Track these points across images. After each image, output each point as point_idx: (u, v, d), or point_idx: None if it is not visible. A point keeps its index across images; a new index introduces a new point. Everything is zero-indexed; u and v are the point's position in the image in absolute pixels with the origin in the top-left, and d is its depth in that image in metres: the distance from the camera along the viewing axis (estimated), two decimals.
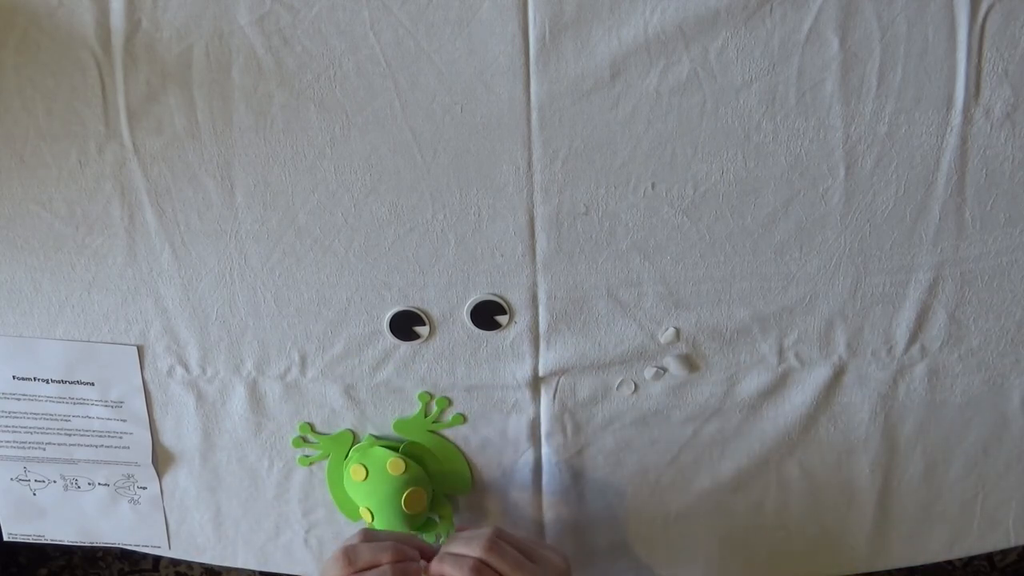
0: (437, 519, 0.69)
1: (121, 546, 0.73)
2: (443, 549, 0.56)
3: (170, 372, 0.65)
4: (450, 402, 0.66)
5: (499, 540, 0.55)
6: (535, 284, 0.62)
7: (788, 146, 0.58)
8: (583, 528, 0.69)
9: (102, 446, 0.68)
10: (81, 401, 0.66)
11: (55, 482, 0.70)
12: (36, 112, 0.58)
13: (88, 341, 0.64)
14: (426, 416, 0.66)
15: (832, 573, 0.71)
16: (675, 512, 0.69)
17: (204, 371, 0.65)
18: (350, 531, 0.69)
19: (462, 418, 0.66)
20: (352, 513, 0.69)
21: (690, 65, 0.56)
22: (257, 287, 0.62)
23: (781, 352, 0.64)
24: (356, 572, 0.54)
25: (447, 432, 0.67)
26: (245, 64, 0.56)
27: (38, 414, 0.67)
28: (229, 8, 0.55)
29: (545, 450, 0.67)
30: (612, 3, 0.55)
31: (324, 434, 0.67)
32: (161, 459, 0.68)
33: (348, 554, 0.55)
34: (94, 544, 0.73)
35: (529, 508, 0.69)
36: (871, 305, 0.62)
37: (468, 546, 0.55)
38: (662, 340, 0.63)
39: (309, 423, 0.67)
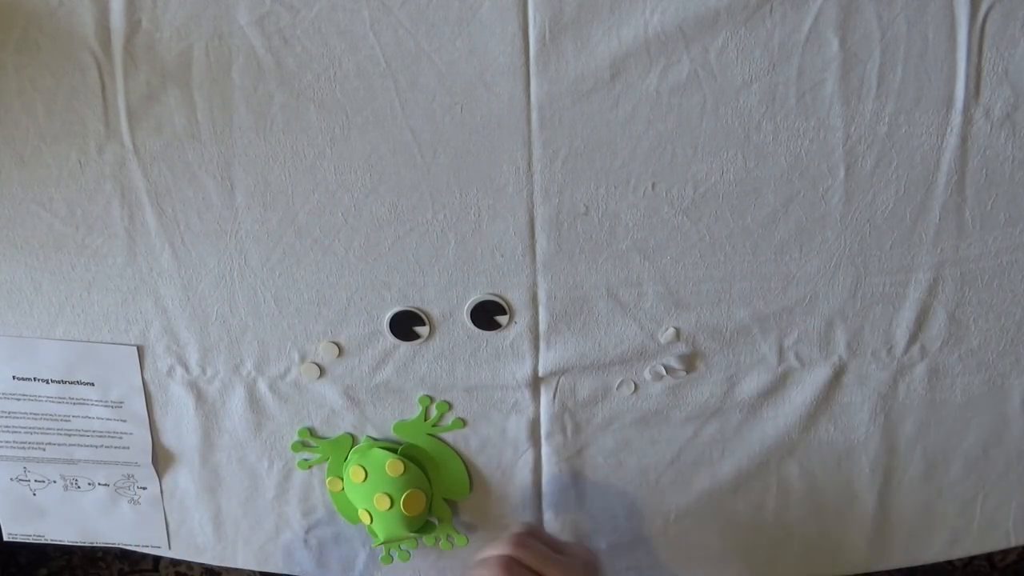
0: (436, 521, 0.69)
1: (121, 546, 0.73)
2: (476, 556, 0.57)
3: (170, 372, 0.65)
4: (450, 406, 0.66)
5: (526, 536, 0.56)
6: (535, 284, 0.62)
7: (788, 146, 0.58)
8: (583, 528, 0.69)
9: (102, 446, 0.68)
10: (81, 401, 0.66)
11: (55, 482, 0.70)
12: (36, 112, 0.58)
13: (88, 341, 0.64)
14: (426, 420, 0.66)
15: (832, 573, 0.71)
16: (675, 512, 0.69)
17: (204, 371, 0.65)
18: (350, 531, 0.70)
19: (462, 422, 0.66)
20: (351, 516, 0.69)
21: (690, 65, 0.56)
22: (257, 287, 0.62)
23: (781, 352, 0.64)
24: None
25: (446, 435, 0.67)
26: (245, 64, 0.56)
27: (38, 414, 0.66)
28: (229, 8, 0.55)
29: (545, 450, 0.67)
30: (612, 3, 0.55)
31: (323, 438, 0.67)
32: (161, 459, 0.68)
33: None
34: (94, 544, 0.73)
35: (529, 508, 0.69)
36: (871, 305, 0.62)
37: (496, 547, 0.56)
38: (662, 340, 0.63)
39: (308, 427, 0.67)
